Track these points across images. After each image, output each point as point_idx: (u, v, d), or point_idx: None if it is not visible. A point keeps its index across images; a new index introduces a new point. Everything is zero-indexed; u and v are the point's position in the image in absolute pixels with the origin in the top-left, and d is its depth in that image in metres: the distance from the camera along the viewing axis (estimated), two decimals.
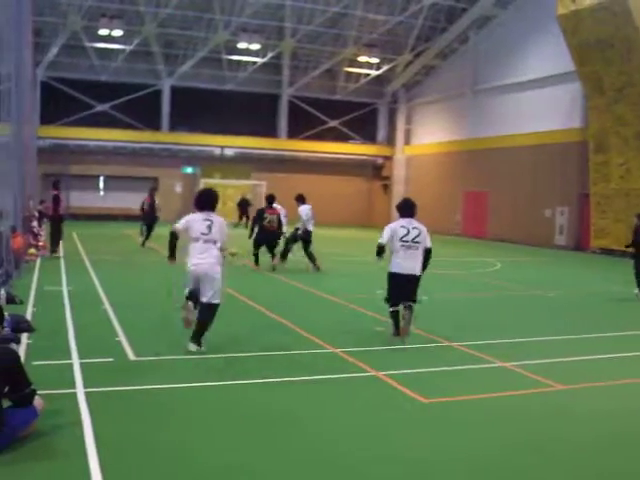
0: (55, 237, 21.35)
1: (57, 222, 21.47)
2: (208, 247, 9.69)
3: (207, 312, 9.71)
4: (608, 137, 29.23)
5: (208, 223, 9.75)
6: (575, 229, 32.58)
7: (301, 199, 20.75)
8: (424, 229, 11.22)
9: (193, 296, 9.89)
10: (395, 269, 11.06)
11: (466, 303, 15.68)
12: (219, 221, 9.92)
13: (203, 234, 9.71)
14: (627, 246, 17.37)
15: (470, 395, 8.18)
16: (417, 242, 10.99)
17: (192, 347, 9.66)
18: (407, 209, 11.33)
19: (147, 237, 25.82)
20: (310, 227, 20.31)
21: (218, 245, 9.80)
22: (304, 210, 20.43)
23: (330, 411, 7.51)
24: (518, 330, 12.31)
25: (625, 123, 28.37)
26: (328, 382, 8.62)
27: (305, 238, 20.24)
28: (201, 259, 9.64)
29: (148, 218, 26.04)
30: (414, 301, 11.05)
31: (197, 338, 9.71)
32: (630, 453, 6.58)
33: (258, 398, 7.84)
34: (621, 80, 28.07)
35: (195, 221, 9.81)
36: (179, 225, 9.92)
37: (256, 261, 19.89)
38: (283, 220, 19.57)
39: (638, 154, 28.00)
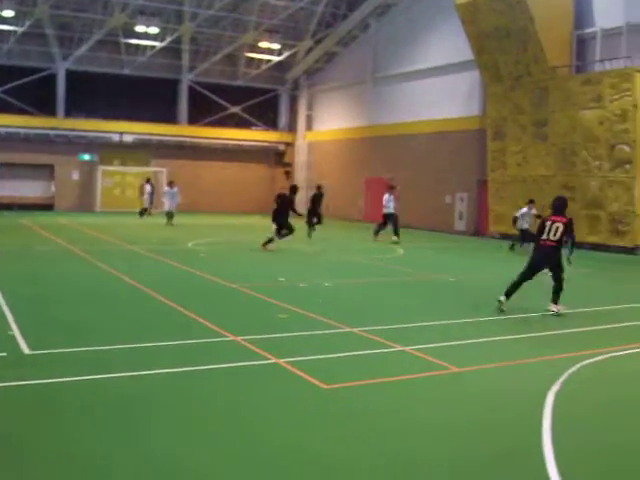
0: None
1: None
2: None
3: None
4: (505, 125, 29.84)
5: None
6: (474, 215, 33.20)
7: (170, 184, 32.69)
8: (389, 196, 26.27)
9: None
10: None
11: (368, 289, 15.73)
12: None
13: None
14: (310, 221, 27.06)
15: (369, 380, 8.18)
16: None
17: None
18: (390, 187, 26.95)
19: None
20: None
21: None
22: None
23: (229, 399, 7.39)
24: (419, 314, 12.41)
25: (522, 111, 29.01)
26: (228, 371, 8.47)
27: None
28: None
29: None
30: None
31: None
32: (518, 431, 6.66)
33: (156, 388, 7.67)
34: (518, 69, 28.66)
35: None
36: None
37: None
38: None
39: (534, 142, 28.66)
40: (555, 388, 7.98)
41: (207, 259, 20.10)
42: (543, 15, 27.04)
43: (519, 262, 21.97)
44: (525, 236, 23.35)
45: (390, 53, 38.53)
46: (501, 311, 12.68)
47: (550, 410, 7.22)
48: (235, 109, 46.21)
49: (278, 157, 47.96)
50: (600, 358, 9.58)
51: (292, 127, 47.82)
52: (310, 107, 46.55)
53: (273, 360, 8.82)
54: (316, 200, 28.64)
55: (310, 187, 45.56)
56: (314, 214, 27.94)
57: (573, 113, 26.83)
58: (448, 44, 33.87)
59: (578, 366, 9.01)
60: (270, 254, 21.74)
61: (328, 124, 44.69)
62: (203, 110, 44.98)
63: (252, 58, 44.36)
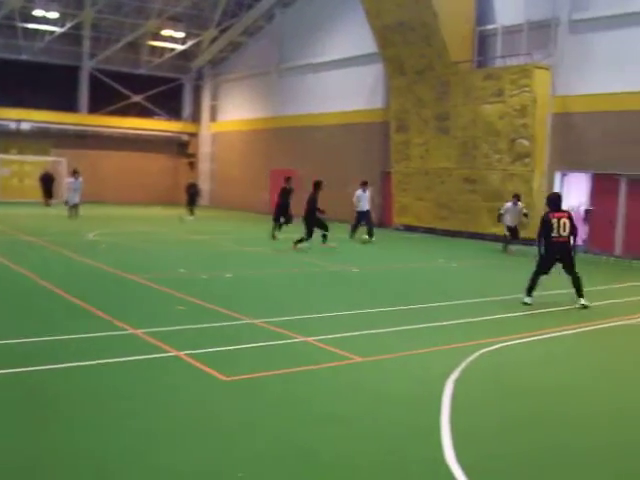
0: None
1: None
2: None
3: None
4: (408, 118, 30.13)
5: None
6: (378, 207, 33.42)
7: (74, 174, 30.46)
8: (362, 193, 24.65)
9: None
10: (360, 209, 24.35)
11: (271, 280, 15.61)
12: None
13: None
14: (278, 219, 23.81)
15: (271, 371, 8.08)
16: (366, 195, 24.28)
17: None
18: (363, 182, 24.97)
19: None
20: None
21: None
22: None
23: (128, 394, 7.19)
24: (322, 305, 12.37)
25: (424, 105, 29.33)
26: (127, 364, 8.22)
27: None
28: None
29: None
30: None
31: None
32: (417, 420, 6.67)
33: (53, 383, 7.41)
34: (421, 63, 28.95)
35: None
36: None
37: None
38: None
39: (437, 135, 29.03)
40: (454, 376, 8.07)
41: (108, 250, 19.61)
42: (446, 11, 27.36)
43: (421, 252, 22.29)
44: (513, 234, 23.08)
45: (296, 44, 38.42)
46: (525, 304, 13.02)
47: (449, 399, 7.28)
48: (137, 98, 45.23)
49: (181, 148, 47.26)
50: (499, 346, 9.74)
51: (196, 117, 47.21)
52: (215, 97, 46.07)
53: (173, 353, 8.62)
54: (285, 196, 24.34)
55: (214, 179, 45.25)
56: (283, 211, 24.15)
57: (474, 107, 27.29)
58: (353, 36, 33.98)
59: (477, 354, 9.14)
60: (174, 246, 21.43)
61: (233, 115, 44.31)
62: (104, 99, 43.80)
63: (155, 46, 43.55)
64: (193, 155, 47.06)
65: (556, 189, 26.05)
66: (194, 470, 5.46)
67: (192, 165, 46.92)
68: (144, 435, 6.12)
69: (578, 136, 25.31)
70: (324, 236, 21.84)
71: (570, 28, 25.53)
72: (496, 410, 7.21)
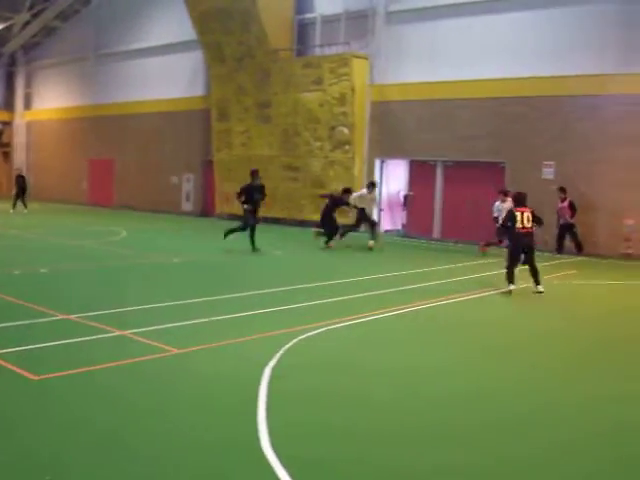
0: None
1: None
2: None
3: None
4: (230, 106, 30.01)
5: None
6: (201, 195, 33.17)
7: None
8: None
9: None
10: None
11: (88, 274, 15.10)
12: None
13: None
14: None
15: (84, 367, 7.76)
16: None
17: None
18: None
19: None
20: None
21: None
22: None
23: None
24: (139, 298, 12.09)
25: (245, 92, 29.30)
26: None
27: None
28: None
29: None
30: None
31: None
32: (234, 409, 6.64)
33: None
34: (241, 50, 28.88)
35: None
36: None
37: None
38: None
39: (258, 122, 29.09)
40: (271, 363, 8.09)
41: None
42: None
43: (244, 241, 22.25)
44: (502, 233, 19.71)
45: (114, 30, 37.33)
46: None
47: (265, 387, 7.28)
48: None
49: None
50: (319, 331, 9.86)
51: (9, 105, 45.01)
52: (29, 84, 44.11)
53: None
54: (251, 192, 19.32)
55: (30, 170, 43.33)
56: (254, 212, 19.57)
57: (295, 95, 27.53)
58: (173, 23, 33.45)
59: (296, 340, 9.21)
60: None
61: (49, 103, 42.59)
62: None
63: None
64: (7, 145, 44.95)
65: (376, 176, 26.75)
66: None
67: (6, 155, 44.79)
68: None
69: (395, 124, 26.08)
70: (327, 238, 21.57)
71: (386, 19, 26.23)
72: (309, 395, 7.26)
